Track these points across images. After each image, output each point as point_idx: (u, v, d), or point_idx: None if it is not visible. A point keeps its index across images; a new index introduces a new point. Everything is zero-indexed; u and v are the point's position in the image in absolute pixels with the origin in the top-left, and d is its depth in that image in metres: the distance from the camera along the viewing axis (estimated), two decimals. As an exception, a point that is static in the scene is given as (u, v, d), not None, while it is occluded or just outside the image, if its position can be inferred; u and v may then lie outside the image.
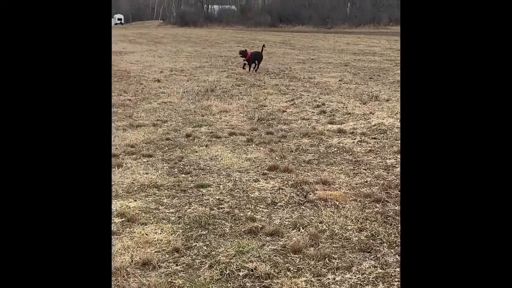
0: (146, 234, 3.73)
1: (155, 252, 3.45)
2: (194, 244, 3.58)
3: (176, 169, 5.32)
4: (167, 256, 3.41)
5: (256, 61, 13.70)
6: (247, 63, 13.64)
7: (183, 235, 3.72)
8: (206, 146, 6.24)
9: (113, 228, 3.83)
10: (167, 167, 5.38)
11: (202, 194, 4.57)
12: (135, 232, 3.78)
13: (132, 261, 3.31)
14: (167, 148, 6.15)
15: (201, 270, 3.21)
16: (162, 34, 38.68)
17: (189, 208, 4.25)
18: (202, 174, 5.14)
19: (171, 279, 3.10)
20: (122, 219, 4.00)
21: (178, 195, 4.57)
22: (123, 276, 3.13)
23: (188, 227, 3.87)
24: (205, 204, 4.33)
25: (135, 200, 4.42)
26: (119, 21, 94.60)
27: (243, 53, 13.54)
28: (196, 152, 5.99)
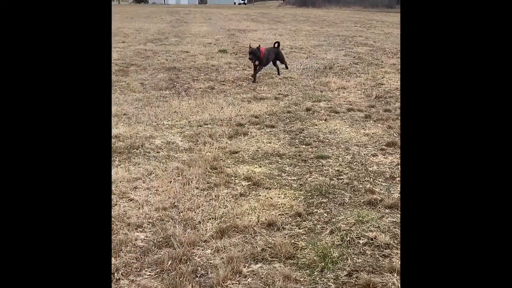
0: (270, 197, 3.81)
1: (279, 214, 3.52)
2: (315, 210, 3.60)
3: (297, 140, 5.35)
4: (290, 219, 3.46)
5: (272, 61, 9.05)
6: (258, 65, 8.62)
7: (305, 201, 3.75)
8: (325, 120, 6.21)
9: (241, 190, 3.95)
10: (288, 138, 5.43)
11: (322, 165, 4.57)
12: (260, 195, 3.86)
13: (258, 221, 3.40)
14: (288, 120, 6.19)
15: (322, 235, 3.22)
16: (282, 13, 38.71)
17: (309, 177, 4.27)
18: (322, 146, 5.13)
19: (295, 241, 3.14)
20: (249, 183, 4.11)
21: (299, 164, 4.60)
22: (251, 234, 3.23)
23: (309, 194, 3.89)
24: (325, 174, 4.32)
25: (260, 166, 4.51)
26: (242, 1, 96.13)
27: (252, 52, 8.38)
28: (316, 125, 5.97)
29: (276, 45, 9.17)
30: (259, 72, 8.94)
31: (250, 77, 8.91)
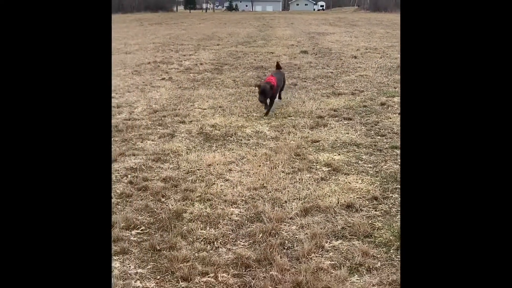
0: (349, 182, 3.74)
1: (357, 197, 3.45)
2: (390, 195, 3.50)
3: (372, 132, 5.22)
4: (367, 202, 3.39)
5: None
6: (269, 100, 5.92)
7: (380, 186, 3.66)
8: (398, 114, 6.00)
9: (322, 175, 3.91)
10: (364, 129, 5.31)
11: (396, 154, 4.43)
12: (339, 180, 3.81)
13: (338, 203, 3.36)
14: (364, 114, 6.05)
15: (397, 218, 3.13)
16: (357, 18, 37.77)
17: (385, 165, 4.15)
18: (396, 137, 4.97)
19: (372, 222, 3.07)
20: (329, 168, 4.06)
21: (375, 153, 4.49)
22: (332, 214, 3.19)
23: (385, 180, 3.79)
24: (399, 163, 4.19)
25: (339, 154, 4.45)
26: (321, 7, 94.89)
27: (264, 91, 5.72)
28: (390, 118, 5.79)
29: (278, 67, 6.65)
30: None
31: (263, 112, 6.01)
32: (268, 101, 5.90)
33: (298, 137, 4.96)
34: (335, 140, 4.90)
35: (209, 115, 6.01)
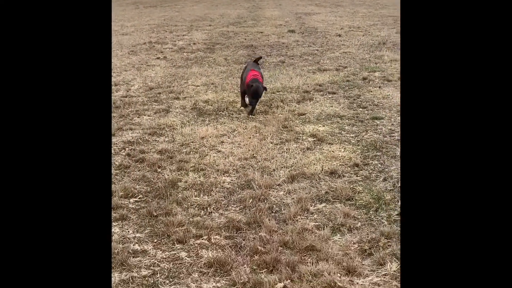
0: (332, 151, 3.76)
1: (339, 165, 3.47)
2: (370, 162, 3.52)
3: (354, 104, 5.21)
4: (349, 168, 3.41)
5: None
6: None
7: (361, 154, 3.68)
8: (379, 87, 5.99)
9: (307, 145, 3.92)
10: (347, 102, 5.30)
11: (377, 125, 4.44)
12: (324, 149, 3.82)
13: (322, 170, 3.38)
14: (347, 88, 6.03)
15: (377, 182, 3.16)
16: (341, -2, 37.26)
17: (366, 134, 4.16)
18: (376, 109, 4.97)
19: (353, 186, 3.10)
20: (314, 139, 4.07)
21: (356, 124, 4.50)
22: (316, 180, 3.21)
23: (365, 148, 3.81)
24: (379, 132, 4.20)
25: (323, 126, 4.45)
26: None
27: (257, 92, 4.67)
28: (371, 91, 5.78)
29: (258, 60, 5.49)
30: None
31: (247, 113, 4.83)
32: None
33: (286, 111, 4.94)
34: (320, 112, 4.90)
35: (202, 91, 5.96)
